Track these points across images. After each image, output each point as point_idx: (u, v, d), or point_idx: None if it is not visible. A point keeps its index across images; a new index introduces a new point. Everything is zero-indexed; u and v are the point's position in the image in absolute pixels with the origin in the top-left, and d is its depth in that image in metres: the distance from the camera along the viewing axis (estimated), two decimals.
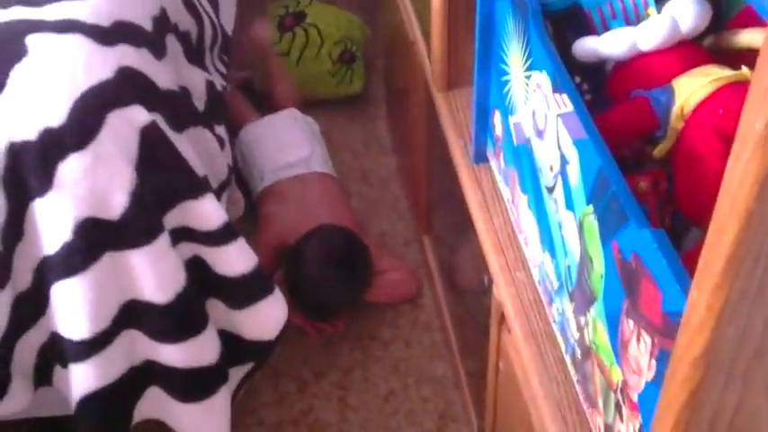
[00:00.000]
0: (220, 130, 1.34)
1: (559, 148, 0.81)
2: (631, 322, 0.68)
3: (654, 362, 0.64)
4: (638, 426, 0.68)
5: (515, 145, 0.97)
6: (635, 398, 0.69)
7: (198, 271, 1.13)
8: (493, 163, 1.09)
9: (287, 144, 1.72)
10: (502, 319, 1.02)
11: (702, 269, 0.44)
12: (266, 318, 1.19)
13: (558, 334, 0.89)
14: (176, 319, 1.10)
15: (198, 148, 1.16)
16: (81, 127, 1.00)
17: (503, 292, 0.98)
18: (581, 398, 0.83)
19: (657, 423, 0.57)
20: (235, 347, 1.22)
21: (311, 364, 1.50)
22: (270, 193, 1.66)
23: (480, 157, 1.12)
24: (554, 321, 0.90)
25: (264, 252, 1.52)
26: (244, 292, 1.16)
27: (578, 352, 0.82)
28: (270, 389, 1.47)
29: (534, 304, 0.95)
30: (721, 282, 0.43)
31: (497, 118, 1.03)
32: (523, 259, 0.99)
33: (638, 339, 0.67)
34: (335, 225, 1.53)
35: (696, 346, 0.47)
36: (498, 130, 1.04)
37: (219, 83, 1.41)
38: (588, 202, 0.75)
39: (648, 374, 0.66)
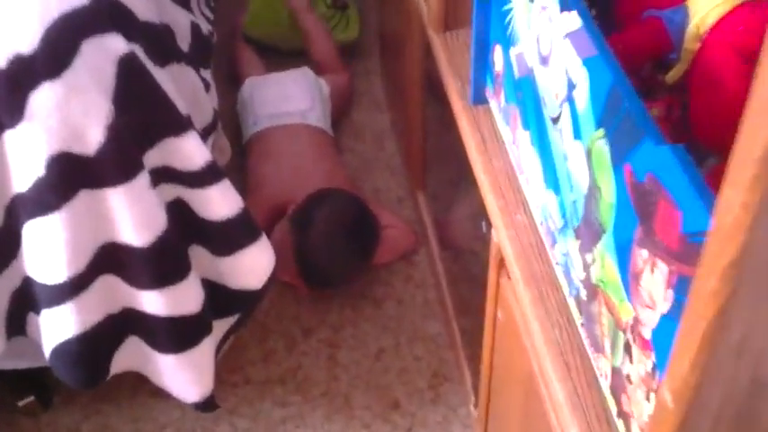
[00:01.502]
0: (206, 74, 1.28)
1: (566, 72, 0.75)
2: (644, 252, 0.62)
3: (670, 292, 0.59)
4: (650, 366, 0.63)
5: (517, 78, 0.91)
6: (647, 335, 0.63)
7: (180, 215, 1.07)
8: (492, 103, 1.03)
9: (288, 95, 1.66)
10: (501, 264, 0.97)
11: (738, 160, 0.38)
12: (252, 266, 1.13)
13: (560, 276, 0.84)
14: (156, 265, 1.04)
15: (181, 87, 1.10)
16: (54, 54, 0.93)
17: (502, 235, 0.92)
18: (586, 342, 0.78)
19: (677, 355, 0.52)
20: (219, 298, 1.16)
21: (300, 321, 1.45)
22: (261, 146, 1.60)
23: (479, 98, 1.06)
24: (556, 264, 0.84)
25: (256, 214, 1.45)
26: (229, 237, 1.10)
27: (583, 293, 0.77)
28: (257, 346, 1.42)
29: (535, 247, 0.89)
30: (760, 173, 0.37)
31: (498, 53, 0.97)
32: (524, 201, 0.93)
33: (653, 269, 0.61)
34: (346, 191, 1.48)
35: (727, 254, 0.41)
36: (498, 66, 0.98)
37: (206, 27, 1.35)
38: (598, 126, 0.69)
39: (663, 306, 0.60)
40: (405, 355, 1.40)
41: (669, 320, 0.59)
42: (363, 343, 1.42)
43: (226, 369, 1.38)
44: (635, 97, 0.63)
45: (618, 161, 0.66)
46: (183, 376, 1.14)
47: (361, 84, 1.84)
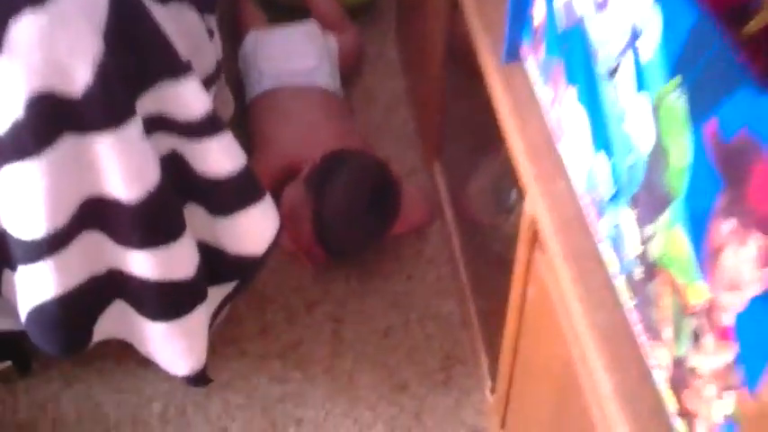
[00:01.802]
0: (210, 20, 1.16)
1: (629, 18, 0.64)
2: (730, 223, 0.52)
3: (766, 271, 0.48)
4: (730, 358, 0.53)
5: (562, 30, 0.80)
6: (728, 321, 0.53)
7: (175, 169, 0.97)
8: (529, 60, 0.92)
9: (294, 52, 1.55)
10: (534, 238, 0.86)
11: None
12: (254, 229, 1.03)
13: (607, 252, 0.73)
14: (147, 222, 0.94)
15: (182, 29, 0.99)
16: None
17: (537, 205, 0.82)
18: (638, 327, 0.67)
19: None
20: (216, 263, 1.06)
21: (302, 293, 1.35)
22: (267, 104, 1.49)
23: (513, 55, 0.95)
24: (602, 238, 0.74)
25: (262, 174, 1.34)
26: (228, 196, 1.00)
27: (638, 271, 0.66)
28: (255, 317, 1.32)
29: (576, 219, 0.79)
30: None
31: (539, 4, 0.86)
32: (562, 168, 0.83)
33: (740, 244, 0.51)
34: (366, 153, 1.37)
35: None
36: (539, 19, 0.87)
37: None
38: (671, 77, 0.58)
39: (753, 288, 0.50)
40: (415, 334, 1.30)
41: (761, 304, 0.49)
42: (370, 318, 1.32)
43: (220, 340, 1.27)
44: (727, 34, 0.52)
45: (697, 116, 0.55)
46: (174, 347, 1.04)
47: (374, 47, 1.72)
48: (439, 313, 1.33)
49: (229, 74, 1.56)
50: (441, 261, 1.39)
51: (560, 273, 0.76)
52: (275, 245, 1.05)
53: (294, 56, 1.55)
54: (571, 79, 0.79)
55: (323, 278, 1.37)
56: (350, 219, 1.29)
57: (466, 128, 1.47)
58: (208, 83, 1.10)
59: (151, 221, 0.95)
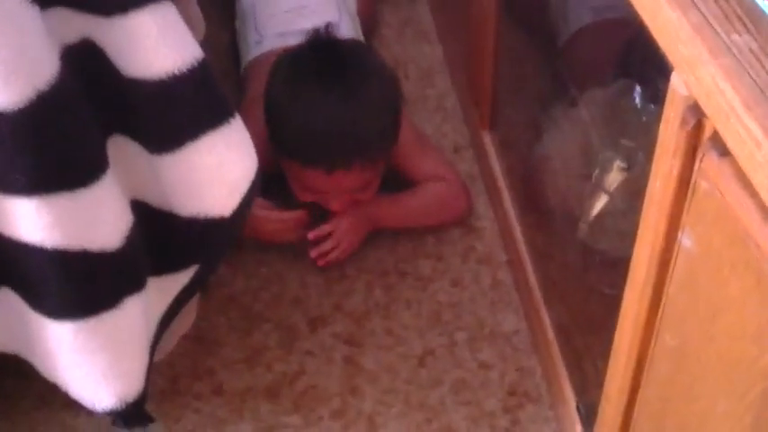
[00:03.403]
0: None
1: None
2: None
3: None
4: None
5: None
6: None
7: (91, 69, 0.62)
8: None
9: (306, 6, 1.24)
10: (697, 134, 0.49)
11: None
12: (217, 171, 0.66)
13: None
14: (37, 146, 0.59)
15: None
16: None
17: (704, 77, 0.45)
18: None
19: None
20: (161, 234, 0.70)
21: (304, 305, 1.02)
22: (264, 67, 1.14)
23: None
24: None
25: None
26: (175, 115, 0.64)
27: None
28: (238, 339, 0.98)
29: None
30: None
31: None
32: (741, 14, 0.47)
33: None
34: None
35: None
36: None
37: None
38: None
39: None
40: (464, 362, 0.96)
41: None
42: (400, 341, 0.99)
43: (185, 370, 0.94)
44: None
45: None
46: (89, 363, 0.66)
47: (402, 11, 1.46)
48: (498, 332, 0.99)
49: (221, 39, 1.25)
50: (498, 261, 1.07)
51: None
52: (251, 200, 0.67)
53: (306, 11, 1.24)
54: None
55: (334, 285, 1.04)
56: (298, 101, 0.98)
57: (524, 91, 1.17)
58: None
59: (44, 145, 0.59)
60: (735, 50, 0.45)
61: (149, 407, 0.87)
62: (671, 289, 0.55)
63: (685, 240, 0.52)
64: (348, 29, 1.23)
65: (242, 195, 0.68)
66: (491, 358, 0.95)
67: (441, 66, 1.38)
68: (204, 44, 0.70)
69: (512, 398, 0.91)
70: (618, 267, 0.64)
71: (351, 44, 1.08)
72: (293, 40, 1.16)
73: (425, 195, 1.08)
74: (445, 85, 1.34)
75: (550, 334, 0.91)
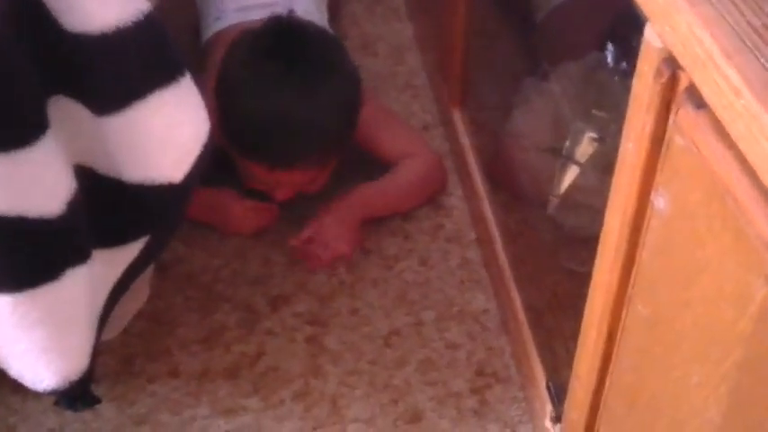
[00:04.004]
0: None
1: None
2: None
3: None
4: None
5: None
6: None
7: (27, 23, 0.57)
8: None
9: None
10: (671, 86, 0.46)
11: None
12: (167, 131, 0.62)
13: None
14: None
15: None
16: None
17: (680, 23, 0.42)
18: None
19: None
20: (107, 202, 0.65)
21: (265, 284, 0.98)
22: (224, 42, 1.09)
23: None
24: None
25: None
26: (118, 72, 0.60)
27: None
28: (195, 319, 0.94)
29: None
30: None
31: None
32: None
33: None
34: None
35: None
36: None
37: None
38: None
39: None
40: (431, 341, 0.92)
41: None
42: (365, 321, 0.95)
43: (139, 351, 0.89)
44: None
45: None
46: (29, 339, 0.62)
47: None
48: (466, 311, 0.95)
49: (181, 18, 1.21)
50: (467, 239, 1.04)
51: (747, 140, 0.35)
52: (203, 166, 0.64)
53: None
54: None
55: (297, 264, 0.99)
56: (246, 78, 0.92)
57: (496, 68, 1.13)
58: None
59: None
60: None
61: (101, 389, 0.83)
62: (644, 255, 0.52)
63: (659, 201, 0.49)
64: (309, 7, 1.18)
65: (193, 159, 0.64)
66: (459, 338, 0.91)
67: (411, 43, 1.35)
68: (165, 16, 0.66)
69: (480, 378, 0.88)
70: (589, 245, 0.61)
71: (316, 35, 1.01)
72: (255, 15, 1.11)
73: (407, 176, 1.04)
74: (415, 62, 1.31)
75: (520, 313, 0.88)
